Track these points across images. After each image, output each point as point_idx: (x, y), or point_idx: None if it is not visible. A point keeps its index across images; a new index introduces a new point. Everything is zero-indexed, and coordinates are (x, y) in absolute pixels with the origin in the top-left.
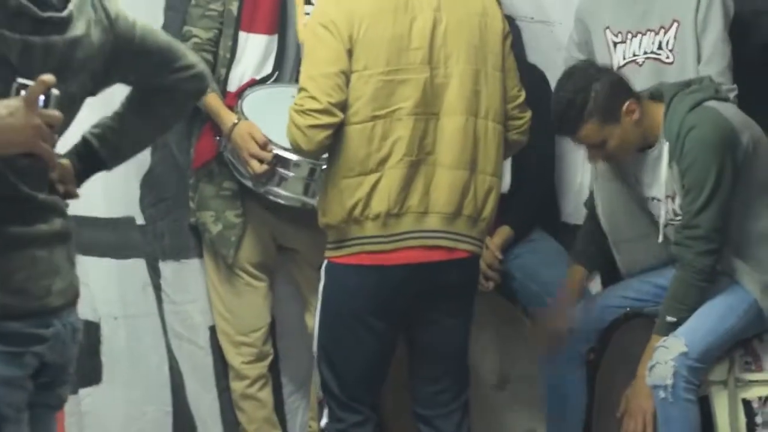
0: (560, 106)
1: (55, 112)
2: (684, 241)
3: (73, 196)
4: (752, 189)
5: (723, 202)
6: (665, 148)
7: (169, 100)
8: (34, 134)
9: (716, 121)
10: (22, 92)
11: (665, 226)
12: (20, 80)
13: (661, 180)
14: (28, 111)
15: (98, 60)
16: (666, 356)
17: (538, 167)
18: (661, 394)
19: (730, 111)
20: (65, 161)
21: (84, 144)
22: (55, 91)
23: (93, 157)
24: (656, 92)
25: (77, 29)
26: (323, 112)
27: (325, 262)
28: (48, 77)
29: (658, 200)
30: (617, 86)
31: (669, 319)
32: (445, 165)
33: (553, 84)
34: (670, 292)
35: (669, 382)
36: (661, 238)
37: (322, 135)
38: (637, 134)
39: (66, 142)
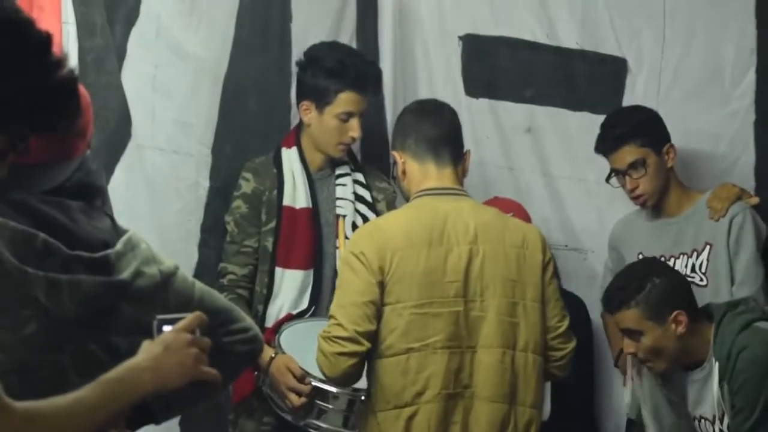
0: (613, 285)
1: (206, 339)
2: None
3: None
4: None
5: None
6: (715, 367)
7: (222, 363)
8: (193, 363)
9: (765, 341)
10: (165, 328)
11: None
12: (159, 317)
13: (712, 400)
14: (183, 342)
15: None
16: None
17: (579, 394)
18: None
19: None
20: None
21: None
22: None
23: (144, 409)
24: (708, 314)
25: (122, 274)
26: (349, 340)
27: None
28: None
29: (706, 420)
30: (676, 290)
31: None
32: (484, 398)
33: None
34: None
35: None
36: None
37: (347, 363)
38: (676, 346)
39: None
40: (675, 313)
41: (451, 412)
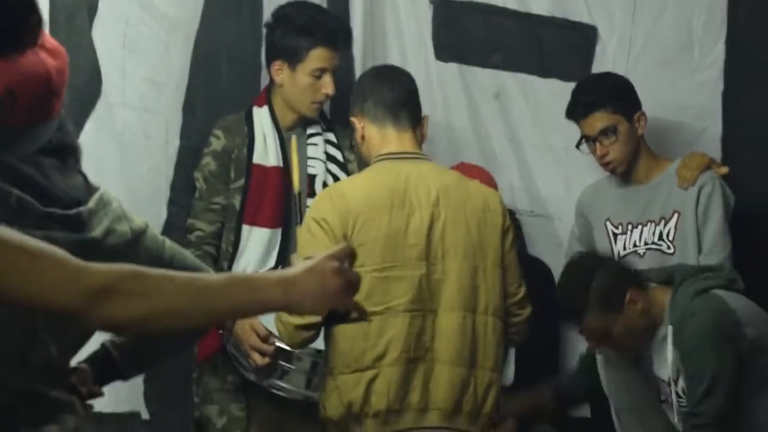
0: (562, 302)
1: (354, 272)
2: (691, 430)
3: (98, 394)
4: (755, 382)
5: (726, 391)
6: (669, 331)
7: None
8: (335, 292)
9: (718, 310)
10: None
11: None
12: None
13: (667, 363)
14: (329, 270)
15: None
16: None
17: (543, 359)
18: None
19: (738, 301)
20: (83, 366)
21: (103, 352)
22: None
23: (111, 366)
24: (669, 276)
25: (94, 232)
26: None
27: None
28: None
29: (664, 382)
30: (618, 276)
31: None
32: (444, 361)
33: (556, 278)
34: None
35: None
36: (675, 419)
37: (305, 335)
38: (642, 322)
39: None
40: (627, 296)
41: (411, 375)
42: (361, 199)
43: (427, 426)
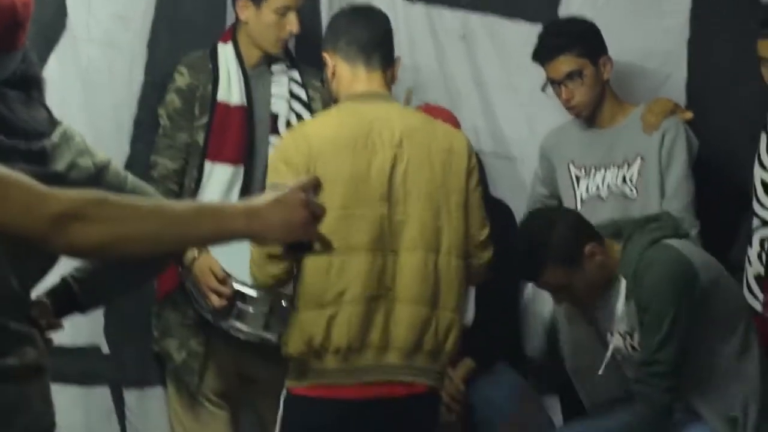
0: (520, 255)
1: (320, 205)
2: (644, 378)
3: (57, 326)
4: (709, 326)
5: (682, 339)
6: (622, 285)
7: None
8: (300, 224)
9: (675, 258)
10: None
11: (623, 362)
12: None
13: (616, 316)
14: (296, 201)
15: None
16: None
17: (503, 300)
18: None
19: (689, 248)
20: (43, 299)
21: (63, 286)
22: None
23: (71, 299)
24: (616, 230)
25: (57, 166)
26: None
27: (284, 392)
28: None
29: (611, 335)
30: (576, 230)
31: None
32: (405, 300)
33: (518, 219)
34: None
35: None
36: (601, 371)
37: (276, 268)
38: (601, 276)
39: None
40: (586, 249)
41: (372, 313)
42: (325, 139)
43: (386, 364)
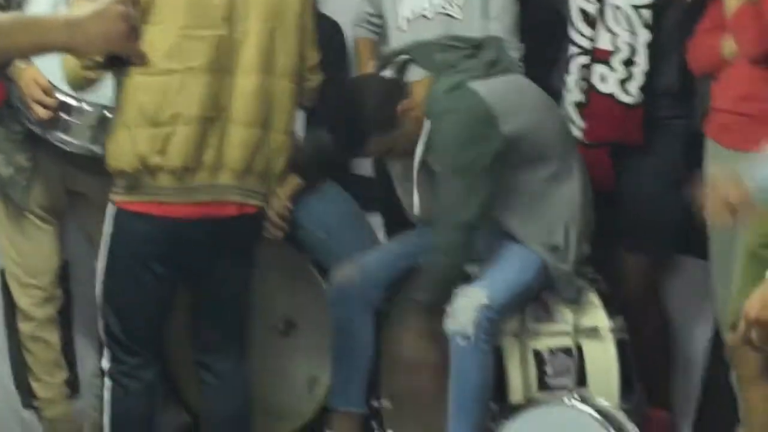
0: (339, 142)
1: (138, 17)
2: (449, 231)
3: None
4: (517, 161)
5: (480, 189)
6: (426, 126)
7: None
8: (119, 37)
9: (470, 106)
10: None
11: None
12: None
13: (416, 157)
14: (115, 14)
15: None
16: (467, 306)
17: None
18: (460, 342)
19: (496, 94)
20: None
21: None
22: None
23: None
24: (434, 67)
25: None
26: None
27: (111, 206)
28: None
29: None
30: (387, 95)
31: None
32: (239, 122)
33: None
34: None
35: (470, 332)
36: (416, 211)
37: (89, 74)
38: (418, 126)
39: None
40: (399, 108)
41: (207, 134)
42: None
43: (218, 184)
